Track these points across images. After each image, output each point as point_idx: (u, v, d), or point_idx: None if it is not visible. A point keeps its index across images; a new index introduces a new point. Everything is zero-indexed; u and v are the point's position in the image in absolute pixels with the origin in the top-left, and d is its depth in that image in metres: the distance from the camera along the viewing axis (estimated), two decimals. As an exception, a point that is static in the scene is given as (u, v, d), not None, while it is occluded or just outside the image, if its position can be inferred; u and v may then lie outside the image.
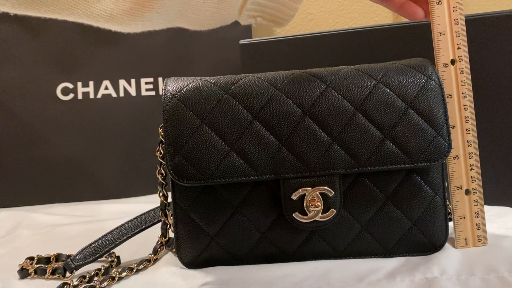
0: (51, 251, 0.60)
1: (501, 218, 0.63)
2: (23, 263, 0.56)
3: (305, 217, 0.50)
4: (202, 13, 0.47)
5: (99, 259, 0.55)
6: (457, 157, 0.54)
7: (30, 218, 0.80)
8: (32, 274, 0.54)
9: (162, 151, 0.55)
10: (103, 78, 0.97)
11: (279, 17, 0.51)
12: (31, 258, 0.57)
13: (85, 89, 0.96)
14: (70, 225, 0.75)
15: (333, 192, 0.50)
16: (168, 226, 0.58)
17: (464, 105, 0.54)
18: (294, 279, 0.48)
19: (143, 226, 0.58)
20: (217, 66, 1.00)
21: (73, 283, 0.51)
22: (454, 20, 0.54)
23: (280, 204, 0.51)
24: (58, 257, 0.58)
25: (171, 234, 0.60)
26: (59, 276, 0.53)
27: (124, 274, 0.52)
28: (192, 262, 0.53)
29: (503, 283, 0.45)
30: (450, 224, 0.54)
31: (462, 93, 0.54)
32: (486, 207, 0.65)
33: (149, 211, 0.60)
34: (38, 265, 0.55)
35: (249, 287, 0.47)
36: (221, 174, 0.50)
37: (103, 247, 0.55)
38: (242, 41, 0.87)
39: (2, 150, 0.93)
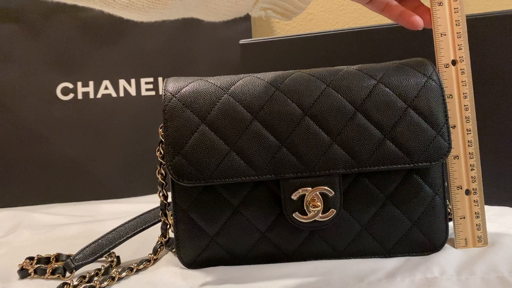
0: (51, 251, 0.60)
1: (502, 218, 0.63)
2: (23, 263, 0.56)
3: (305, 217, 0.50)
4: (222, 4, 0.47)
5: (99, 259, 0.55)
6: (457, 157, 0.54)
7: (30, 218, 0.80)
8: (32, 274, 0.54)
9: (162, 151, 0.55)
10: (103, 78, 0.97)
11: (290, 10, 0.51)
12: (31, 258, 0.57)
13: (85, 89, 0.96)
14: (70, 225, 0.75)
15: (333, 192, 0.50)
16: (168, 226, 0.58)
17: (465, 105, 0.54)
18: (294, 279, 0.48)
19: (143, 226, 0.58)
20: (217, 66, 1.00)
21: (73, 283, 0.51)
22: (455, 21, 0.54)
23: (280, 204, 0.51)
24: (58, 257, 0.58)
25: (171, 234, 0.60)
26: (59, 276, 0.53)
27: (124, 274, 0.52)
28: (192, 262, 0.53)
29: (503, 283, 0.45)
30: (450, 224, 0.54)
31: (463, 93, 0.54)
32: (487, 207, 0.65)
33: (149, 211, 0.60)
34: (38, 265, 0.55)
35: (249, 287, 0.47)
36: (221, 174, 0.50)
37: (103, 247, 0.55)
38: (242, 41, 0.87)
39: (2, 150, 0.93)
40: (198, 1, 0.46)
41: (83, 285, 0.51)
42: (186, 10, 0.47)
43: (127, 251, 0.60)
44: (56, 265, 0.55)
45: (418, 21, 0.54)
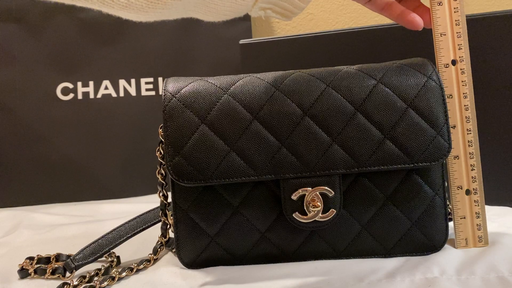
0: (51, 251, 0.60)
1: (502, 218, 0.63)
2: (23, 263, 0.56)
3: (305, 217, 0.50)
4: (222, 3, 0.47)
5: (99, 259, 0.55)
6: (457, 157, 0.54)
7: (30, 218, 0.80)
8: (32, 274, 0.54)
9: (162, 151, 0.55)
10: (103, 78, 0.97)
11: (289, 10, 0.51)
12: (31, 258, 0.57)
13: (85, 89, 0.96)
14: (70, 225, 0.75)
15: (333, 192, 0.50)
16: (168, 226, 0.58)
17: (465, 105, 0.54)
18: (294, 279, 0.48)
19: (143, 226, 0.58)
20: (217, 66, 1.00)
21: (73, 283, 0.51)
22: (455, 21, 0.54)
23: (280, 204, 0.51)
24: (58, 257, 0.58)
25: (171, 234, 0.60)
26: (59, 276, 0.53)
27: (124, 274, 0.52)
28: (192, 262, 0.53)
29: (503, 283, 0.45)
30: (451, 224, 0.54)
31: (463, 93, 0.54)
32: (487, 207, 0.65)
33: (149, 211, 0.60)
34: (38, 265, 0.55)
35: (249, 287, 0.47)
36: (221, 174, 0.50)
37: (103, 247, 0.55)
38: (242, 41, 0.87)
39: (2, 150, 0.93)
40: (198, 1, 0.46)
41: (83, 285, 0.51)
42: (185, 10, 0.47)
43: (127, 251, 0.60)
44: (56, 265, 0.55)
45: (418, 21, 0.53)
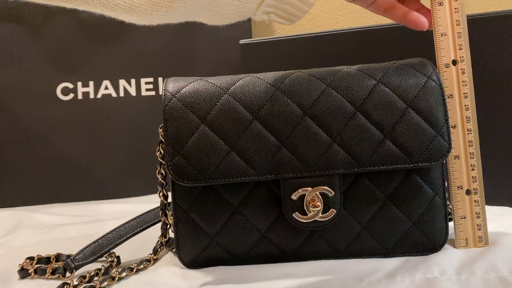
0: (51, 251, 0.60)
1: (502, 218, 0.63)
2: (23, 263, 0.56)
3: (305, 217, 0.50)
4: (226, 6, 0.47)
5: (99, 259, 0.55)
6: (458, 157, 0.54)
7: (30, 218, 0.80)
8: (32, 274, 0.54)
9: (162, 151, 0.55)
10: (103, 78, 0.97)
11: (292, 13, 0.51)
12: (31, 258, 0.57)
13: (85, 89, 0.96)
14: (70, 225, 0.75)
15: (333, 192, 0.50)
16: (168, 226, 0.58)
17: (465, 105, 0.54)
18: (294, 279, 0.48)
19: (143, 226, 0.58)
20: (217, 66, 1.00)
21: (73, 283, 0.51)
22: (456, 21, 0.54)
23: (280, 204, 0.51)
24: (58, 257, 0.58)
25: (171, 234, 0.60)
26: (59, 276, 0.53)
27: (124, 274, 0.52)
28: (192, 262, 0.53)
29: (503, 283, 0.45)
30: (451, 224, 0.54)
31: (464, 93, 0.54)
32: (487, 207, 0.65)
33: (149, 211, 0.60)
34: (38, 265, 0.55)
35: (249, 287, 0.47)
36: (221, 174, 0.50)
37: (103, 247, 0.55)
38: (242, 41, 0.87)
39: (2, 150, 0.93)
40: (201, 4, 0.46)
41: (83, 285, 0.51)
42: (189, 13, 0.47)
43: (127, 251, 0.60)
44: (56, 265, 0.55)
45: (423, 21, 0.53)
